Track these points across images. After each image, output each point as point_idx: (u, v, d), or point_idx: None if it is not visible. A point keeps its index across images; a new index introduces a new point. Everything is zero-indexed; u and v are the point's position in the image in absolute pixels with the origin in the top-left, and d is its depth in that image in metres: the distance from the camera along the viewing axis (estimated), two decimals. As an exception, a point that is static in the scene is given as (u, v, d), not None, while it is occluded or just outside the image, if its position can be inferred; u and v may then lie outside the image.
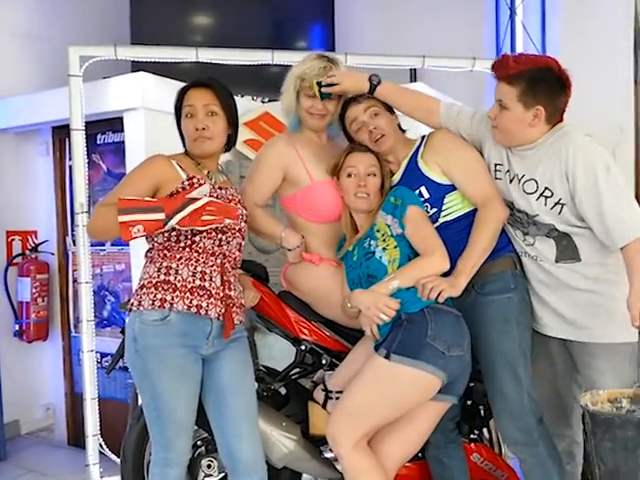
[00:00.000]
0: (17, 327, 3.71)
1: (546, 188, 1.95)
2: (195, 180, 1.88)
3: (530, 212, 2.00)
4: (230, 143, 2.05)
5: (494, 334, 2.01)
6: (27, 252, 3.81)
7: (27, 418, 3.87)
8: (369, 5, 4.73)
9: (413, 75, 4.17)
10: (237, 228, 1.95)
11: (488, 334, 2.01)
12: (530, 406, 2.01)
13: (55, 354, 3.83)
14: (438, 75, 3.79)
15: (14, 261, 3.77)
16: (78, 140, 2.98)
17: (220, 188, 1.96)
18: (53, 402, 3.91)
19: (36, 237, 3.88)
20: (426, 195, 2.06)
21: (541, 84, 1.91)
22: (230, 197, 1.97)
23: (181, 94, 1.98)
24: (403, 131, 2.21)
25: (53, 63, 3.65)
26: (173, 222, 1.71)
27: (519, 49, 4.21)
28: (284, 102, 2.21)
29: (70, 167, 3.53)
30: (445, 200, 2.06)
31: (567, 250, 1.98)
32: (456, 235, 2.04)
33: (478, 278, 2.00)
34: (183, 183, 1.87)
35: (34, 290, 3.69)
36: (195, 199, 1.75)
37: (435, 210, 2.06)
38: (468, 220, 2.04)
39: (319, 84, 2.11)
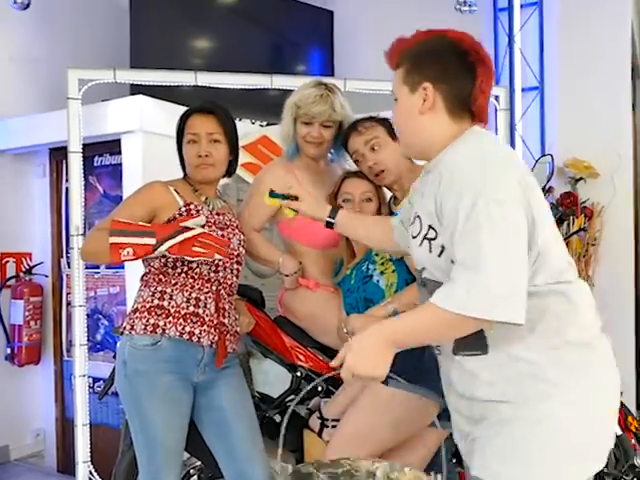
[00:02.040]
0: (9, 350, 3.69)
1: (430, 226, 1.37)
2: (192, 207, 1.89)
3: (417, 266, 1.47)
4: (231, 169, 2.06)
5: None
6: (21, 274, 3.79)
7: (17, 444, 3.82)
8: (368, 30, 4.79)
9: (412, 100, 4.21)
10: (235, 254, 1.96)
11: None
12: None
13: (47, 378, 3.80)
14: (437, 101, 3.83)
15: (7, 283, 3.76)
16: (75, 162, 2.99)
17: (218, 214, 1.97)
18: (44, 427, 3.86)
19: (30, 259, 3.88)
20: None
21: (429, 56, 1.42)
22: (228, 223, 1.98)
23: (184, 118, 2.00)
24: (409, 158, 2.17)
25: (52, 85, 3.68)
26: (163, 248, 1.72)
27: (517, 77, 4.26)
28: (282, 129, 2.23)
29: (66, 189, 3.55)
30: None
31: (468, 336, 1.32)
32: None
33: None
34: (180, 210, 1.88)
35: (27, 313, 3.68)
36: (189, 228, 1.76)
37: None
38: None
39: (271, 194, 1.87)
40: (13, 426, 3.75)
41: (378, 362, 1.30)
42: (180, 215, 1.86)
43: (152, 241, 1.71)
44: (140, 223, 1.78)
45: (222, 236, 1.91)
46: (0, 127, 3.66)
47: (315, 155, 2.22)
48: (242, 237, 2.01)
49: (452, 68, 1.39)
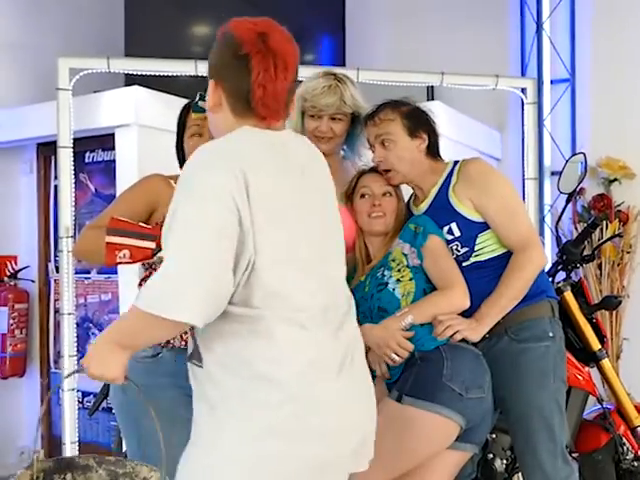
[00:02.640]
0: (-10, 362, 3.71)
1: None
2: None
3: None
4: None
5: (529, 386, 1.97)
6: (5, 279, 3.82)
7: (0, 462, 3.83)
8: (383, 17, 4.80)
9: (430, 93, 4.22)
10: None
11: (522, 385, 1.98)
12: (563, 469, 1.98)
13: (32, 392, 3.82)
14: (457, 93, 3.83)
15: (-11, 287, 3.78)
16: (65, 158, 3.01)
17: None
18: (28, 445, 3.87)
19: (16, 263, 3.90)
20: (457, 233, 2.02)
21: (213, 52, 1.45)
22: None
23: (185, 113, 2.01)
24: (435, 155, 2.12)
25: (40, 75, 3.71)
26: (162, 255, 1.72)
27: (546, 66, 4.25)
28: (288, 124, 2.22)
29: (55, 187, 3.57)
30: (478, 240, 2.01)
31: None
32: (487, 276, 2.00)
33: (512, 322, 1.98)
34: None
35: (11, 321, 3.70)
36: None
37: (467, 249, 2.02)
38: (503, 262, 2.00)
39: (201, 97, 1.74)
40: (-5, 444, 3.77)
41: (109, 364, 1.37)
42: None
43: (151, 245, 1.70)
44: (141, 224, 1.77)
45: None
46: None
47: (325, 151, 2.20)
48: None
49: (227, 63, 1.40)
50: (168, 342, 1.81)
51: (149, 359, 1.81)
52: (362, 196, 2.09)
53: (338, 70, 2.26)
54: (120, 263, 1.71)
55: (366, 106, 2.20)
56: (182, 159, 2.03)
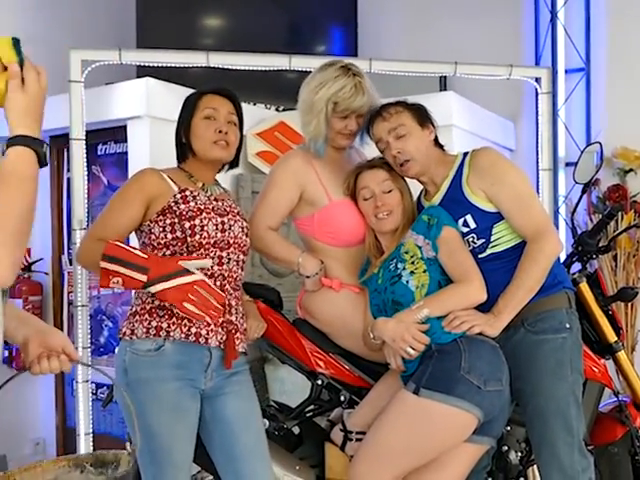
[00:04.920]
0: (6, 353, 3.73)
1: None
2: (188, 192, 1.90)
3: None
4: (234, 161, 2.08)
5: (546, 378, 1.96)
6: (19, 271, 3.84)
7: (15, 454, 3.86)
8: (395, 7, 4.76)
9: (443, 83, 4.19)
10: (239, 244, 1.95)
11: (539, 377, 1.97)
12: (580, 461, 1.96)
13: (47, 384, 3.84)
14: (471, 83, 3.81)
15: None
16: (78, 151, 3.02)
17: (217, 200, 1.97)
18: (43, 436, 3.91)
19: (29, 255, 3.91)
20: (472, 225, 2.01)
21: None
22: (228, 209, 1.97)
23: (196, 97, 2.01)
24: (441, 147, 2.14)
25: (51, 67, 3.67)
26: (153, 290, 1.75)
27: (560, 55, 4.20)
28: (312, 126, 2.14)
29: (68, 180, 3.57)
30: (493, 230, 2.00)
31: None
32: (504, 267, 1.99)
33: (529, 314, 1.97)
34: (175, 197, 1.88)
35: (26, 313, 3.71)
36: (188, 272, 1.76)
37: (483, 241, 2.02)
38: (520, 252, 1.98)
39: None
40: (11, 435, 3.79)
41: None
42: (175, 203, 1.86)
43: (143, 278, 1.73)
44: (137, 252, 1.78)
45: (222, 223, 1.91)
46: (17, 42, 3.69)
47: (346, 146, 2.21)
48: (245, 224, 2.00)
49: None
50: (169, 334, 1.81)
51: (152, 352, 1.82)
52: (365, 199, 2.08)
53: (347, 60, 2.22)
54: (113, 287, 1.75)
55: (378, 98, 2.18)
56: (183, 144, 2.01)
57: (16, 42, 1.34)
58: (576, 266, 2.44)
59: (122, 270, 1.73)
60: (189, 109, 2.00)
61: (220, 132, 1.94)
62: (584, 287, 2.30)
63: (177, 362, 1.83)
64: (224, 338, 1.87)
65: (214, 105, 1.97)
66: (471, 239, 2.02)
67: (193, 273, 1.77)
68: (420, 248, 1.99)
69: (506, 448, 2.21)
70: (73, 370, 3.03)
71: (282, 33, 4.47)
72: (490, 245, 2.02)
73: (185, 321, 1.83)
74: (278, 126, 3.66)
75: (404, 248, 2.02)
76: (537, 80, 3.64)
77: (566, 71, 4.19)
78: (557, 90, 4.12)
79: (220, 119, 1.96)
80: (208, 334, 1.84)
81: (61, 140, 3.54)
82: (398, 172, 2.09)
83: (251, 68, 3.30)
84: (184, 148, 2.01)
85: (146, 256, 1.78)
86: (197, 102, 1.99)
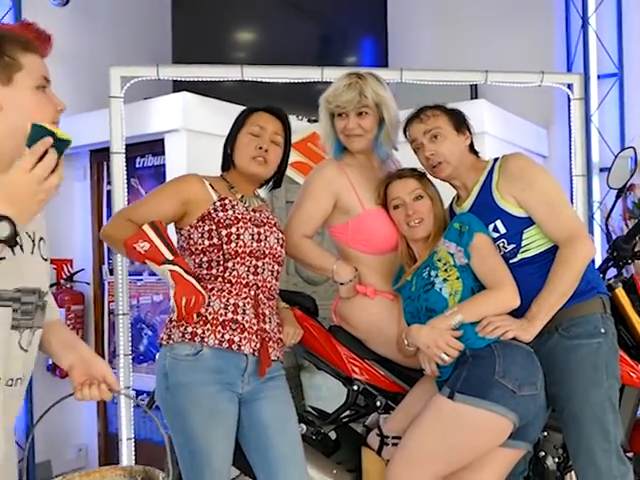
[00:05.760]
0: (51, 361, 3.82)
1: None
2: (227, 201, 1.95)
3: None
4: (276, 179, 2.13)
5: (581, 383, 1.95)
6: (62, 281, 3.93)
7: (59, 459, 3.94)
8: (425, 17, 4.78)
9: (474, 91, 4.18)
10: (274, 254, 1.99)
11: (574, 383, 1.96)
12: (618, 467, 1.94)
13: (89, 391, 3.91)
14: (502, 91, 3.79)
15: (48, 291, 3.90)
16: (118, 164, 3.09)
17: (254, 211, 2.02)
18: (86, 442, 3.98)
19: (71, 266, 4.01)
20: (502, 230, 2.02)
21: None
22: (265, 220, 2.02)
23: (247, 113, 2.07)
24: (476, 153, 2.16)
25: (92, 84, 3.81)
26: (170, 267, 1.79)
27: (593, 61, 4.17)
28: (321, 129, 2.27)
29: (108, 192, 3.66)
30: (524, 235, 2.01)
31: None
32: (536, 272, 1.99)
33: (563, 319, 1.97)
34: (214, 204, 1.93)
35: (68, 322, 3.80)
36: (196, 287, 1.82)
37: (513, 246, 2.02)
38: (551, 256, 1.98)
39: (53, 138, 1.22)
40: (55, 441, 3.87)
41: None
42: (214, 210, 1.92)
43: (169, 256, 1.79)
44: (173, 243, 1.86)
45: (258, 233, 1.96)
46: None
47: (360, 149, 2.22)
48: (280, 235, 2.05)
49: None
50: (203, 340, 1.86)
51: (191, 357, 1.86)
52: (395, 207, 2.10)
53: (364, 70, 2.27)
54: (134, 249, 1.80)
55: (391, 103, 2.20)
56: (227, 154, 2.06)
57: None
58: (612, 271, 2.42)
59: (155, 240, 1.79)
60: (238, 123, 2.06)
61: (260, 149, 1.99)
62: (620, 292, 2.27)
63: (215, 366, 1.87)
64: (258, 346, 1.91)
65: (261, 123, 2.03)
66: (502, 244, 2.02)
67: (204, 294, 1.85)
68: (452, 255, 2.00)
69: (543, 454, 2.19)
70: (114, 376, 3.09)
71: (313, 45, 4.52)
72: (521, 250, 2.02)
73: (219, 328, 1.87)
74: (311, 137, 3.70)
75: (437, 256, 2.03)
76: (569, 86, 3.61)
77: (599, 76, 4.16)
78: (590, 96, 4.09)
79: (265, 137, 2.01)
80: (241, 341, 1.88)
81: (101, 154, 3.64)
82: (430, 174, 2.11)
83: (284, 80, 3.35)
84: (228, 159, 2.07)
85: (177, 252, 1.85)
86: (247, 117, 2.05)
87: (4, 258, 1.26)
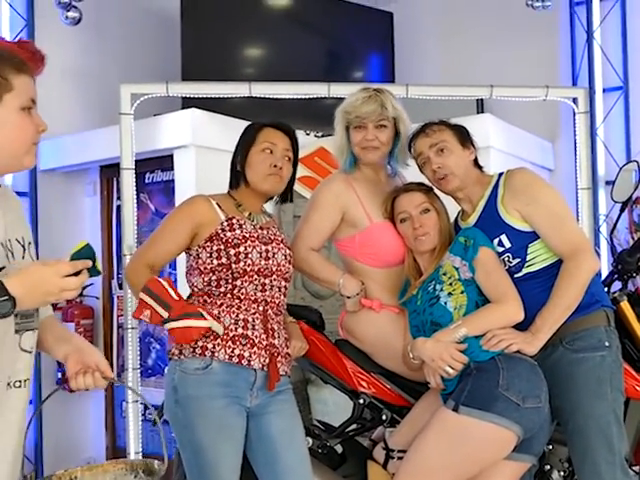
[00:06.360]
0: (60, 375, 3.84)
1: None
2: (235, 221, 1.97)
3: None
4: (286, 194, 2.14)
5: (586, 396, 1.95)
6: (71, 296, 3.95)
7: (67, 473, 3.95)
8: (431, 33, 4.81)
9: (480, 106, 4.20)
10: (282, 271, 2.01)
11: (578, 395, 1.96)
12: None
13: (97, 404, 3.93)
14: (508, 105, 3.82)
15: (58, 305, 3.92)
16: (128, 179, 3.12)
17: (262, 228, 2.03)
18: (93, 456, 3.98)
19: (81, 280, 4.03)
20: (507, 244, 2.02)
21: None
22: (272, 237, 2.03)
23: (256, 129, 2.07)
24: (480, 168, 2.17)
25: (102, 101, 3.86)
26: (167, 326, 1.84)
27: (598, 75, 4.18)
28: (335, 141, 2.27)
29: (117, 207, 3.70)
30: (529, 250, 2.02)
31: None
32: (540, 287, 2.00)
33: (567, 332, 1.97)
34: (222, 224, 1.95)
35: (78, 336, 3.82)
36: (202, 317, 1.84)
37: (518, 260, 2.03)
38: (556, 270, 1.99)
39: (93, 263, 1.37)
40: (62, 454, 3.88)
41: None
42: (222, 230, 1.94)
43: (165, 314, 1.82)
44: (170, 291, 1.85)
45: (266, 251, 1.98)
46: (50, 145, 3.86)
47: (374, 161, 2.24)
48: (288, 252, 2.06)
49: None
50: (213, 354, 1.87)
51: (200, 371, 1.88)
52: (402, 220, 2.12)
53: (377, 85, 2.30)
54: (142, 319, 1.86)
55: (407, 118, 2.23)
56: (237, 171, 2.08)
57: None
58: (617, 285, 2.43)
59: (152, 304, 1.83)
60: (248, 140, 2.06)
61: (275, 167, 2.01)
62: (625, 305, 2.27)
63: (224, 380, 1.88)
64: (267, 361, 1.92)
65: (273, 140, 2.03)
66: (506, 258, 2.03)
67: (206, 319, 1.85)
68: (457, 269, 2.01)
69: (549, 467, 2.19)
70: (123, 391, 3.11)
71: (320, 61, 4.56)
72: (526, 264, 2.02)
73: (229, 343, 1.89)
74: (318, 152, 3.73)
75: (442, 270, 2.04)
76: (574, 100, 3.63)
77: (604, 90, 4.17)
78: (595, 109, 4.10)
79: (277, 154, 2.02)
80: (251, 356, 1.90)
81: (111, 170, 3.69)
82: (437, 187, 2.13)
83: (291, 96, 3.38)
84: (238, 176, 2.06)
85: (177, 298, 1.86)
86: (257, 134, 2.05)
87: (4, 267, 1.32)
